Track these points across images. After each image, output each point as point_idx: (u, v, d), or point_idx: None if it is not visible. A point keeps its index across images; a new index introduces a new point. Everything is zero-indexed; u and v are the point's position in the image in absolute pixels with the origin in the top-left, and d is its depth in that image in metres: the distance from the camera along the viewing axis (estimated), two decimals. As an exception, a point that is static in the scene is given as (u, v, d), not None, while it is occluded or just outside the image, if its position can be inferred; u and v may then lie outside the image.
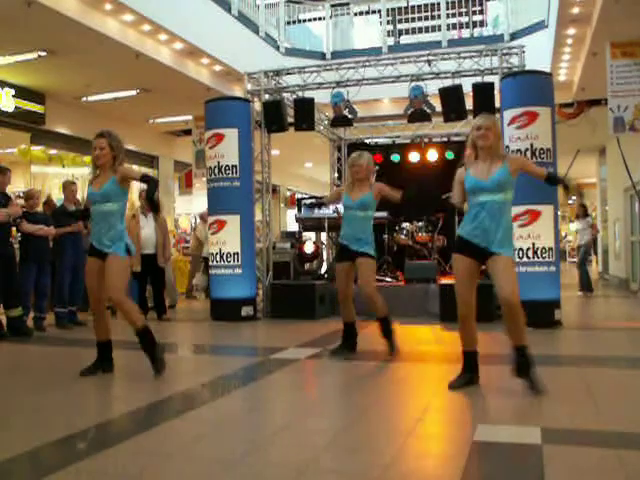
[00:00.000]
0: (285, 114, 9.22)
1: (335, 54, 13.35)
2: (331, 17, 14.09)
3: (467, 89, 8.42)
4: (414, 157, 11.88)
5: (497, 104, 8.13)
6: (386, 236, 10.15)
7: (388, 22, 14.08)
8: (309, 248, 10.41)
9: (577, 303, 10.52)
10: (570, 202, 29.92)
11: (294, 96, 9.58)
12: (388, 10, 13.94)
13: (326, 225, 10.17)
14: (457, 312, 4.27)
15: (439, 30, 13.33)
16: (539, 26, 11.41)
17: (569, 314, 7.89)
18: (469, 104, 8.47)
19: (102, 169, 4.96)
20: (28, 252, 7.64)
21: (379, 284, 7.53)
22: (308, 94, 9.42)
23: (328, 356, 5.77)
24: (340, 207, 9.95)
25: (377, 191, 5.65)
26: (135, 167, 14.59)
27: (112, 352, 5.15)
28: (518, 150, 7.40)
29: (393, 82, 9.28)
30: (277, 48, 13.18)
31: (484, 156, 4.19)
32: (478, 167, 4.20)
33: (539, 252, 7.35)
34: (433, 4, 13.82)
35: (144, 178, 5.06)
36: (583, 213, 12.35)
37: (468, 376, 4.35)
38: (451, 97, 8.50)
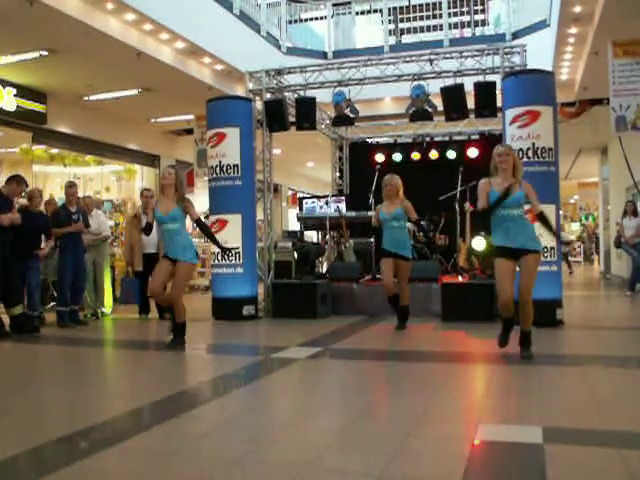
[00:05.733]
0: (287, 113, 9.22)
1: (337, 53, 13.33)
2: (333, 16, 14.07)
3: (469, 88, 8.41)
4: (416, 156, 11.87)
5: (499, 103, 8.12)
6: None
7: (390, 21, 14.07)
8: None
9: (579, 303, 10.51)
10: (571, 201, 29.95)
11: (296, 95, 9.58)
12: (390, 9, 13.92)
13: (328, 224, 10.16)
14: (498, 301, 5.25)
15: (441, 29, 13.30)
16: (541, 25, 11.39)
17: (571, 314, 7.88)
18: (471, 103, 8.46)
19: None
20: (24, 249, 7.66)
21: (381, 283, 7.58)
22: (310, 93, 9.42)
23: (395, 329, 7.21)
24: (342, 207, 10.03)
25: (407, 208, 7.11)
26: (137, 167, 14.63)
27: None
28: (520, 149, 7.38)
29: (395, 81, 9.27)
30: (279, 47, 13.17)
31: (504, 178, 5.13)
32: (500, 183, 5.11)
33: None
34: (435, 3, 13.78)
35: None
36: (633, 211, 11.77)
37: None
38: (453, 96, 8.49)
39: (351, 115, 9.50)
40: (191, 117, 13.39)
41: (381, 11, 13.94)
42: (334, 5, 14.17)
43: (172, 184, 6.12)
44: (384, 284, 7.28)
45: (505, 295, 5.10)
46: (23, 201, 8.30)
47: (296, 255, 9.71)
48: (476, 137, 11.58)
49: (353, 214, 9.94)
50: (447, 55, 8.92)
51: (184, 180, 6.14)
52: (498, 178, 5.19)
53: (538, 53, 9.62)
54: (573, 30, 9.42)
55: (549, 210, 7.37)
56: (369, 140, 12.55)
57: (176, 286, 6.19)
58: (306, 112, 9.26)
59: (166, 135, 15.29)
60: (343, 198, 11.14)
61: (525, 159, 7.34)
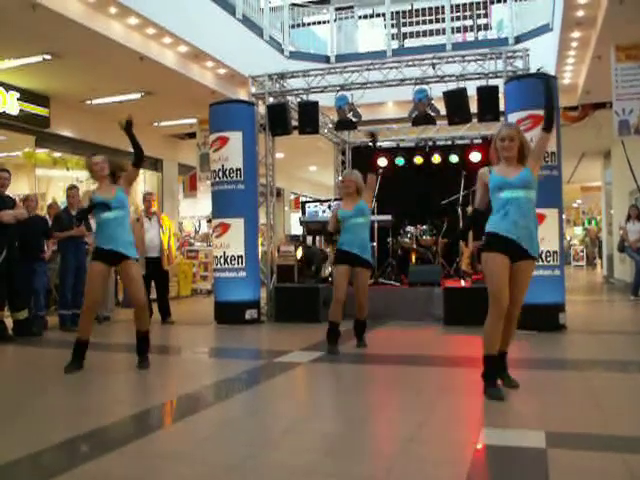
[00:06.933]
0: (289, 117, 9.23)
1: (339, 57, 13.36)
2: (335, 20, 14.11)
3: (471, 92, 8.41)
4: (418, 160, 11.87)
5: (501, 107, 8.11)
6: (390, 239, 10.13)
7: (392, 25, 14.10)
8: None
9: (582, 307, 10.48)
10: (575, 205, 29.90)
11: (298, 99, 9.59)
12: (392, 13, 13.96)
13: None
14: (491, 311, 4.12)
15: (443, 33, 13.33)
16: (544, 29, 11.40)
17: (574, 318, 7.86)
18: (473, 107, 8.46)
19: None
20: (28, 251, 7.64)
21: (383, 287, 7.55)
22: (312, 97, 9.42)
23: (327, 354, 5.97)
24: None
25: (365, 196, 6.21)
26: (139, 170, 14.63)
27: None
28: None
29: (397, 85, 9.27)
30: (281, 51, 13.20)
31: (509, 162, 4.28)
32: (503, 169, 4.29)
33: (543, 256, 7.30)
34: (437, 7, 13.82)
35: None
36: (636, 215, 11.67)
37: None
38: (455, 100, 8.49)
39: (354, 119, 9.50)
40: (194, 121, 13.41)
41: (384, 15, 13.97)
42: (337, 9, 14.21)
43: (105, 169, 5.44)
44: (337, 298, 6.04)
45: (504, 302, 4.09)
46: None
47: (300, 254, 9.70)
48: (479, 141, 11.57)
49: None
50: (450, 59, 8.93)
51: (124, 164, 5.76)
52: (502, 165, 4.31)
53: (541, 57, 9.60)
54: (576, 34, 9.41)
55: (551, 214, 7.39)
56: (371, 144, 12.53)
57: (135, 288, 5.34)
58: (309, 116, 9.26)
59: (169, 139, 15.31)
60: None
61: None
